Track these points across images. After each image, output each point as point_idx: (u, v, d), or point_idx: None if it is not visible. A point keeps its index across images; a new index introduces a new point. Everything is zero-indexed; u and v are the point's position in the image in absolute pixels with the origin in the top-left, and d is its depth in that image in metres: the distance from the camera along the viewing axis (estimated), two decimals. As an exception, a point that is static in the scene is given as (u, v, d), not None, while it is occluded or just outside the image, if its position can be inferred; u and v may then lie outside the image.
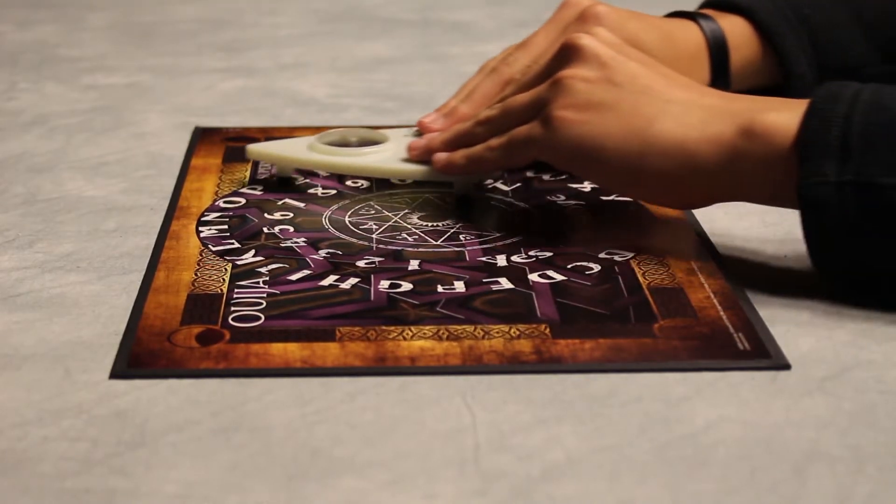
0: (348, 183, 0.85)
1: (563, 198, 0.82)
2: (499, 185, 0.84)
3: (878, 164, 0.63)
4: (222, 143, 0.93)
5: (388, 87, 1.09)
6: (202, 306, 0.67)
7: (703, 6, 0.91)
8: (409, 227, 0.77)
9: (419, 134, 0.83)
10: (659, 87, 0.71)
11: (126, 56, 1.20)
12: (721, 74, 0.86)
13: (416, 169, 0.80)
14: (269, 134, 0.95)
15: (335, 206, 0.81)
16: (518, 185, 0.84)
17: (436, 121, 0.83)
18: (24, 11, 1.37)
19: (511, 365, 0.61)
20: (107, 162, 0.90)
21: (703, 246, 0.74)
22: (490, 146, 0.75)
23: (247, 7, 1.42)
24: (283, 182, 0.84)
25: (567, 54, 0.73)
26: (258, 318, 0.65)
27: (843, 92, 0.65)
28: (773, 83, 0.89)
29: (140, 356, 0.62)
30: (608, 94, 0.71)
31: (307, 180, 0.85)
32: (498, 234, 0.76)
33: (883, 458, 0.53)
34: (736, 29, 0.88)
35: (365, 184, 0.85)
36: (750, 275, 0.71)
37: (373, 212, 0.80)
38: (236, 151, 0.91)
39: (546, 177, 0.86)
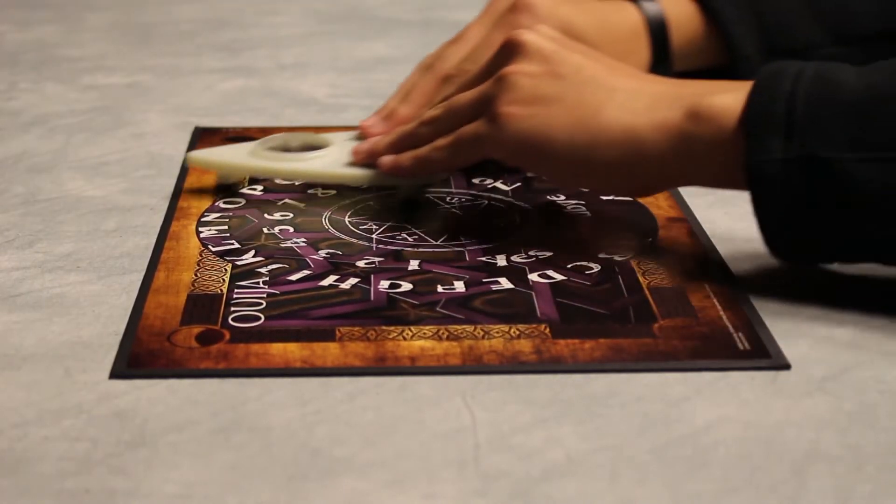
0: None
1: (563, 197, 0.82)
2: (499, 184, 0.84)
3: (824, 138, 0.62)
4: (222, 143, 0.93)
5: (388, 87, 1.09)
6: (202, 306, 0.67)
7: None
8: (408, 226, 0.77)
9: (362, 138, 0.83)
10: (603, 76, 0.70)
11: (126, 56, 1.20)
12: (662, 56, 0.86)
13: (360, 173, 0.80)
14: (269, 134, 0.95)
15: (335, 207, 0.81)
16: (518, 184, 0.84)
17: (376, 124, 0.83)
18: (24, 11, 1.37)
19: (511, 365, 0.61)
20: (107, 162, 0.90)
21: (704, 247, 0.74)
22: (437, 146, 0.75)
23: (247, 7, 1.42)
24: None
25: (509, 50, 0.72)
26: (258, 319, 0.65)
27: (788, 69, 0.65)
28: (718, 64, 0.88)
29: (140, 356, 0.62)
30: (553, 87, 0.70)
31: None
32: (498, 234, 0.76)
33: (883, 458, 0.53)
34: (678, 8, 0.87)
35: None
36: (750, 275, 0.70)
37: (372, 212, 0.80)
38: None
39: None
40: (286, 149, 0.84)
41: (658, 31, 0.86)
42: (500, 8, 0.84)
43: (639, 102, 0.68)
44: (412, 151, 0.76)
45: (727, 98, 0.66)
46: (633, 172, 0.69)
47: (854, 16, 0.90)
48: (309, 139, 0.85)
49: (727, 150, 0.65)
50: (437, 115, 0.75)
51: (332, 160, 0.81)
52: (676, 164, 0.67)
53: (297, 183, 0.83)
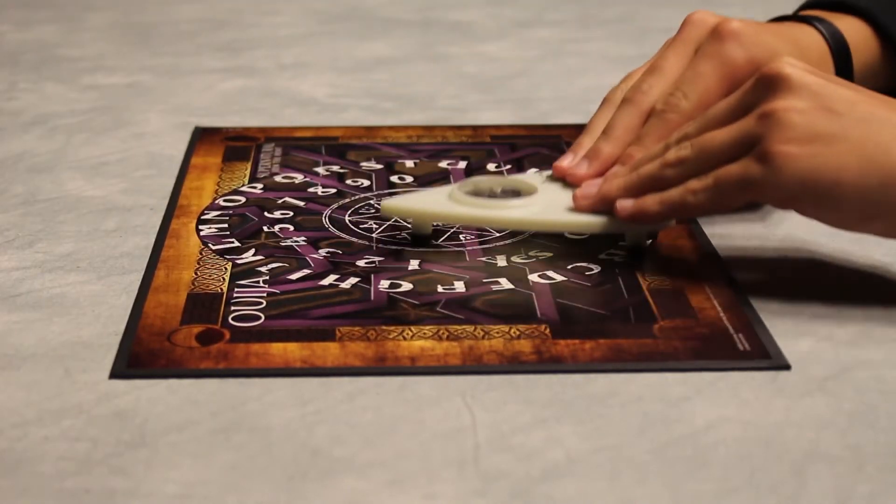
0: (348, 182, 0.85)
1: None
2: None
3: None
4: (222, 143, 0.93)
5: (388, 87, 1.09)
6: (202, 306, 0.67)
7: (808, 7, 0.86)
8: (409, 226, 0.77)
9: (559, 179, 0.76)
10: (882, 111, 0.65)
11: (126, 56, 1.20)
12: (846, 79, 0.79)
13: (587, 220, 0.72)
14: (269, 134, 0.95)
15: (335, 205, 0.81)
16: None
17: (580, 165, 0.75)
18: (24, 11, 1.37)
19: (511, 365, 0.61)
20: (107, 162, 0.90)
21: (703, 247, 0.74)
22: (692, 189, 0.68)
23: (247, 7, 1.41)
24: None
25: (768, 85, 0.66)
26: (258, 318, 0.65)
27: None
28: (887, 89, 0.82)
29: (140, 356, 0.62)
30: (831, 124, 0.64)
31: (305, 179, 0.85)
32: (499, 234, 0.76)
33: (883, 458, 0.53)
34: (853, 31, 0.83)
35: (365, 182, 0.85)
36: (750, 275, 0.71)
37: (373, 211, 0.80)
38: (236, 151, 0.91)
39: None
40: (486, 193, 0.75)
41: (841, 54, 0.81)
42: (697, 35, 0.77)
43: None
44: (658, 195, 0.69)
45: None
46: None
47: None
48: (505, 182, 0.77)
49: None
50: (685, 156, 0.69)
51: (546, 206, 0.73)
52: None
53: (499, 232, 0.76)
